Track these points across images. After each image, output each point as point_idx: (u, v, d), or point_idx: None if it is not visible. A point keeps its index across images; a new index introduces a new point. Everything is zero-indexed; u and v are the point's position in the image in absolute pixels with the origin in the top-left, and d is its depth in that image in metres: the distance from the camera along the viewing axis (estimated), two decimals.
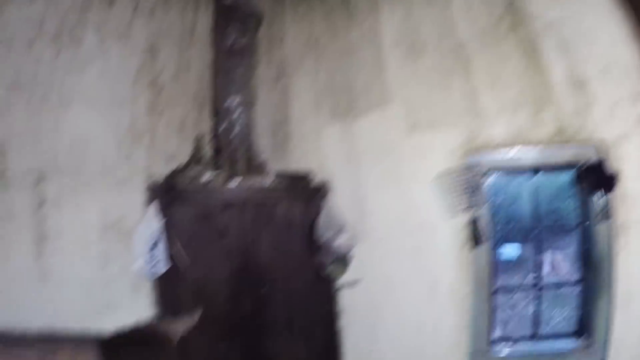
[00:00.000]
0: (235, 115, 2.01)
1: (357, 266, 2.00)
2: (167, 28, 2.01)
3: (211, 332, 1.92)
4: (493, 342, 2.08)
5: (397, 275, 2.06)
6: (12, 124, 1.70)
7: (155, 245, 1.85)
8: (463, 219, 1.97)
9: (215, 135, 2.08)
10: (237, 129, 2.01)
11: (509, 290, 2.17)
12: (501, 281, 2.13)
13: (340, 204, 1.99)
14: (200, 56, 2.06)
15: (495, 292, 2.09)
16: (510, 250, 2.21)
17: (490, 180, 2.06)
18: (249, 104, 2.05)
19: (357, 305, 2.08)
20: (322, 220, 1.94)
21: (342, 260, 1.98)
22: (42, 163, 1.75)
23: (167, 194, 1.87)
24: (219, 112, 2.05)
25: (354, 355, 2.08)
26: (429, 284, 2.04)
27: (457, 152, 1.97)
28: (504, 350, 2.07)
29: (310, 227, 1.99)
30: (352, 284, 2.04)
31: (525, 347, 2.10)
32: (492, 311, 2.07)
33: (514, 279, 2.19)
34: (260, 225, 1.95)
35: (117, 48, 1.91)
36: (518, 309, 2.19)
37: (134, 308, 1.90)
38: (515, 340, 2.12)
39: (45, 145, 1.76)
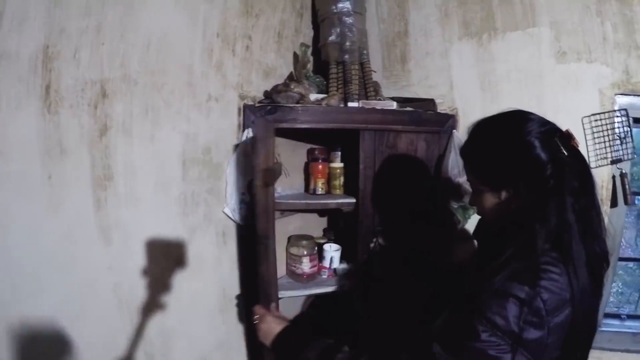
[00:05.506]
0: (344, 23, 1.62)
1: None
2: None
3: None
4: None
5: None
6: (71, 21, 1.15)
7: (251, 183, 1.47)
8: (606, 172, 1.69)
9: (321, 47, 1.68)
10: (347, 40, 1.62)
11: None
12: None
13: None
14: None
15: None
16: None
17: None
18: (359, 10, 1.65)
19: None
20: (450, 156, 1.64)
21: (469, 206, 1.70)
22: (104, 74, 1.22)
23: (268, 115, 1.48)
24: (324, 20, 1.64)
25: None
26: None
27: (608, 91, 1.67)
28: (612, 325, 1.88)
29: (436, 163, 1.70)
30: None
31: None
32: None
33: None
34: (380, 159, 1.61)
35: None
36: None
37: (222, 263, 1.55)
38: (625, 317, 1.92)
39: (107, 49, 1.23)
